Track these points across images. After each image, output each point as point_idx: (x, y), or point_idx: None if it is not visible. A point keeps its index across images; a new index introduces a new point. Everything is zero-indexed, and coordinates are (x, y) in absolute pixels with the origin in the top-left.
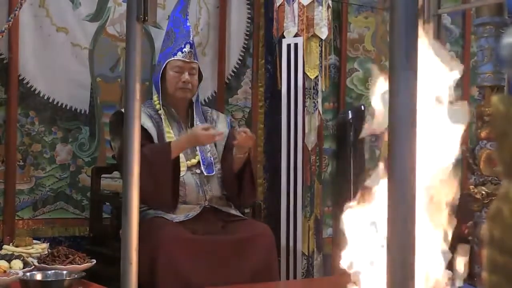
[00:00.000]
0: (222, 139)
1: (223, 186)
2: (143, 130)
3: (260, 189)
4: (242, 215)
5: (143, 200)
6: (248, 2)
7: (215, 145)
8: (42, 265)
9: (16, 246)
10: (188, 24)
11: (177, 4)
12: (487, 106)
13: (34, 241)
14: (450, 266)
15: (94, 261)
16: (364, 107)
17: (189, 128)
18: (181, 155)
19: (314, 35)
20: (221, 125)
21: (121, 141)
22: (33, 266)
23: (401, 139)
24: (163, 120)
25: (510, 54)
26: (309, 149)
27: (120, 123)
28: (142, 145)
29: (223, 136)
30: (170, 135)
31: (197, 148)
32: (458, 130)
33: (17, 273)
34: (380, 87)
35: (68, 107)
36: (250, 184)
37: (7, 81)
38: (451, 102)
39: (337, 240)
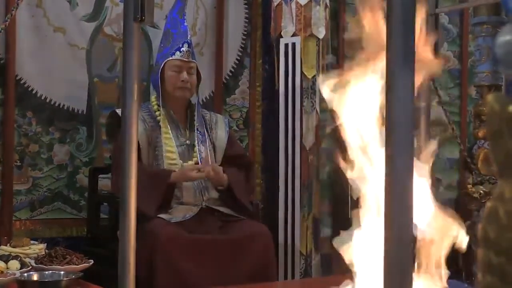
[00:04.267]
0: (210, 173)
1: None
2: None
3: (258, 189)
4: (239, 215)
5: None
6: (246, 2)
7: (214, 152)
8: (40, 265)
9: (14, 247)
10: (185, 24)
11: (174, 5)
12: (485, 105)
13: (32, 242)
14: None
15: (92, 261)
16: None
17: (188, 129)
18: (178, 157)
19: (312, 35)
20: (220, 128)
21: (114, 142)
22: (31, 267)
23: (398, 139)
24: (161, 121)
25: (505, 53)
26: (307, 148)
27: (115, 124)
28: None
29: (209, 171)
30: (168, 135)
31: (196, 149)
32: None
33: (14, 274)
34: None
35: (65, 108)
36: (244, 202)
37: (4, 82)
38: None
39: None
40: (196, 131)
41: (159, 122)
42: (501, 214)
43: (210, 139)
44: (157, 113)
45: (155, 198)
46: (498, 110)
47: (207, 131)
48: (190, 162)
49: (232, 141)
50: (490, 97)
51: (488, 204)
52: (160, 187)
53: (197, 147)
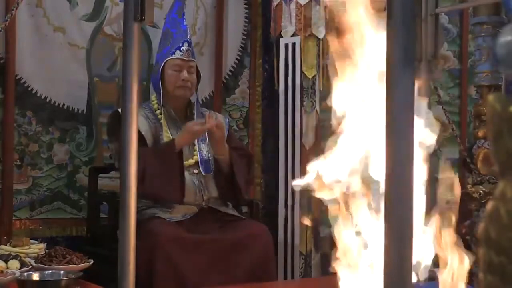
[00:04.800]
0: (213, 127)
1: (216, 184)
2: (139, 134)
3: (258, 188)
4: (239, 215)
5: (151, 195)
6: (246, 1)
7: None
8: (39, 265)
9: (13, 246)
10: (185, 23)
11: (173, 5)
12: (485, 105)
13: (31, 241)
14: None
15: (92, 261)
16: None
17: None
18: None
19: (312, 35)
20: None
21: (118, 142)
22: (30, 266)
23: (398, 141)
24: (162, 120)
25: (506, 53)
26: (307, 148)
27: (117, 123)
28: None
29: (213, 125)
30: (168, 134)
31: (196, 147)
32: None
33: (14, 273)
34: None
35: (65, 107)
36: (240, 184)
37: (4, 81)
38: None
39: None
40: None
41: (160, 120)
42: (502, 214)
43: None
44: (158, 111)
45: (174, 182)
46: (499, 110)
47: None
48: (190, 161)
49: (231, 137)
50: (491, 97)
51: (489, 203)
52: (173, 166)
53: (197, 145)
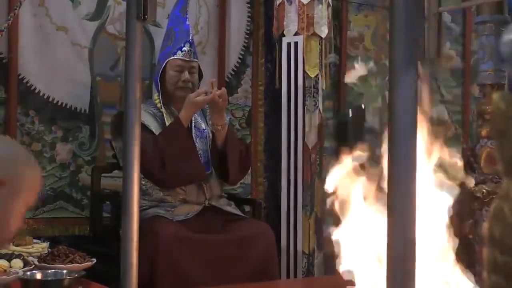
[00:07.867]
0: (216, 97)
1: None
2: (150, 132)
3: (261, 188)
4: (242, 214)
5: (173, 180)
6: (248, 0)
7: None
8: (42, 264)
9: (16, 246)
10: (187, 23)
11: (176, 3)
12: (488, 104)
13: (34, 241)
14: None
15: (94, 260)
16: (364, 106)
17: (189, 127)
18: None
19: (314, 34)
20: None
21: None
22: (33, 266)
23: (401, 140)
24: (165, 119)
25: (510, 51)
26: (310, 147)
27: (122, 122)
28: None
29: (217, 94)
30: None
31: (197, 146)
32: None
33: (17, 273)
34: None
35: (68, 106)
36: (237, 159)
37: (6, 80)
38: None
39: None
40: (193, 128)
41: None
42: (507, 213)
43: (208, 132)
44: (162, 110)
45: (193, 159)
46: (504, 108)
47: (207, 122)
48: None
49: (229, 129)
50: (495, 96)
51: (494, 203)
52: (187, 143)
53: (197, 144)
